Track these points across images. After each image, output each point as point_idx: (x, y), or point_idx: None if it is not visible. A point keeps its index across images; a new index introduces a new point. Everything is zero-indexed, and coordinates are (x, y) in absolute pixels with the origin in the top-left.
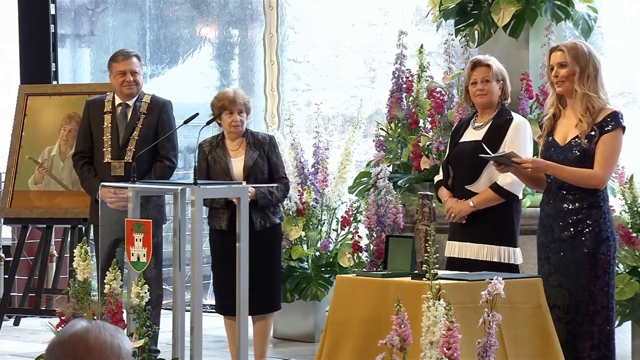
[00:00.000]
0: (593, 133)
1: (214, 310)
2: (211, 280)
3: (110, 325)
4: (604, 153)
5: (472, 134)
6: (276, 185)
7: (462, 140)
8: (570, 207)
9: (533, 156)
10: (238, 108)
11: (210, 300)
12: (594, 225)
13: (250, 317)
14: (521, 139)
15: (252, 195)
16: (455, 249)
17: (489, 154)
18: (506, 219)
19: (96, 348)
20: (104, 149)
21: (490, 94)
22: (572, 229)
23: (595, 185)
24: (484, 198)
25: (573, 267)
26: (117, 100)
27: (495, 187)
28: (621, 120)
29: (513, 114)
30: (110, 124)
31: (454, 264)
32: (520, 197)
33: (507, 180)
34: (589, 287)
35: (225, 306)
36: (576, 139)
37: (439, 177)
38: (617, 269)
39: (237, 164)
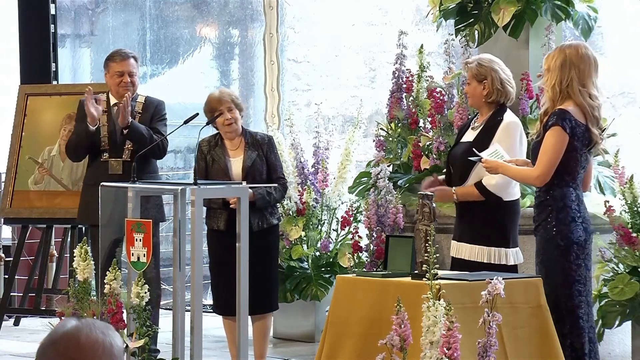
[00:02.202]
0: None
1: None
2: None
3: (101, 323)
4: (540, 151)
5: (469, 135)
6: (274, 186)
7: (461, 140)
8: (533, 206)
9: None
10: (226, 106)
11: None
12: (544, 224)
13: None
14: (510, 139)
15: (250, 197)
16: (454, 248)
17: (476, 156)
18: (497, 219)
19: (88, 347)
20: (101, 148)
21: (471, 95)
22: (534, 225)
23: (531, 183)
24: (467, 192)
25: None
26: (112, 100)
27: (479, 185)
28: (560, 118)
29: (506, 114)
30: (106, 123)
31: (454, 264)
32: (512, 198)
33: (492, 181)
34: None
35: (223, 306)
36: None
37: (442, 176)
38: (617, 268)
39: (236, 164)
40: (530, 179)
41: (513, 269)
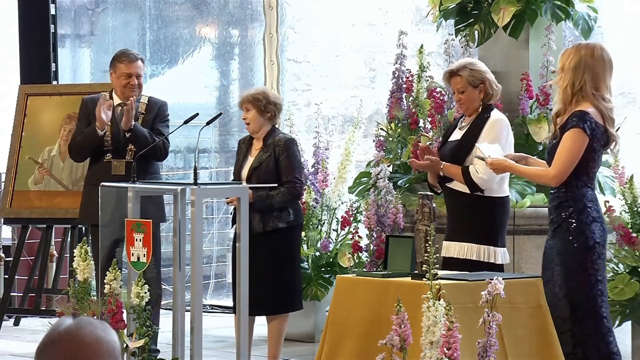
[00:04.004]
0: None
1: (215, 310)
2: (212, 280)
3: (97, 321)
4: (558, 151)
5: (457, 134)
6: (279, 188)
7: (449, 139)
8: (550, 207)
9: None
10: (244, 106)
11: (211, 300)
12: (564, 225)
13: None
14: (494, 135)
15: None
16: (445, 248)
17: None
18: (487, 217)
19: (91, 344)
20: (105, 148)
21: (468, 102)
22: (549, 227)
23: (546, 182)
24: (453, 170)
25: (545, 264)
26: (116, 100)
27: (465, 170)
28: (581, 120)
29: (493, 112)
30: (110, 124)
31: (445, 263)
32: (502, 195)
33: (477, 174)
34: (558, 289)
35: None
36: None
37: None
38: (617, 268)
39: (247, 164)
40: (545, 178)
41: (499, 268)
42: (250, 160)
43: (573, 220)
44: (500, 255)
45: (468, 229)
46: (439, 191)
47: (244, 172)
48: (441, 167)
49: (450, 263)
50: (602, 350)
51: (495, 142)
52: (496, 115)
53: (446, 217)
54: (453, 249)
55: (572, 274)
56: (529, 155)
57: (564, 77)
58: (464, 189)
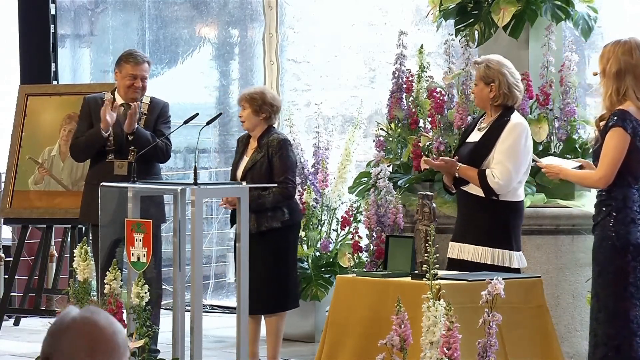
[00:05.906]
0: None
1: (215, 310)
2: (212, 280)
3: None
4: (602, 153)
5: (475, 135)
6: (271, 189)
7: (467, 140)
8: (594, 205)
9: (535, 158)
10: (241, 104)
11: (211, 300)
12: (602, 223)
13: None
14: (512, 139)
15: None
16: (454, 249)
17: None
18: (501, 220)
19: (107, 327)
20: (107, 148)
21: (477, 96)
22: (592, 224)
23: (593, 185)
24: (469, 172)
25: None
26: (119, 100)
27: (481, 173)
28: (621, 119)
29: (513, 115)
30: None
31: (453, 265)
32: (517, 199)
33: (494, 179)
34: (594, 292)
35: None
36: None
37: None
38: None
39: (243, 164)
40: (591, 180)
41: (515, 272)
42: (245, 160)
43: (610, 219)
44: (516, 258)
45: (482, 232)
46: (454, 192)
47: (239, 173)
48: (457, 168)
49: (461, 266)
50: (623, 353)
51: (513, 147)
52: (516, 119)
53: (455, 218)
54: (466, 251)
55: (603, 273)
56: (589, 162)
57: (606, 84)
58: (479, 192)
